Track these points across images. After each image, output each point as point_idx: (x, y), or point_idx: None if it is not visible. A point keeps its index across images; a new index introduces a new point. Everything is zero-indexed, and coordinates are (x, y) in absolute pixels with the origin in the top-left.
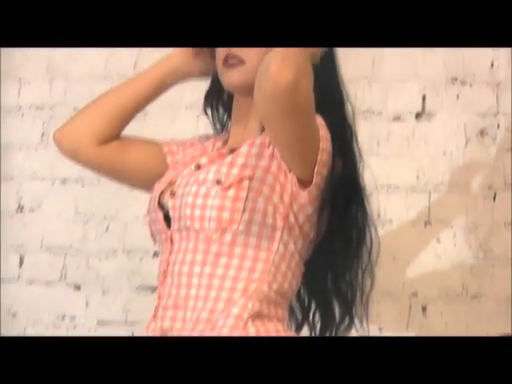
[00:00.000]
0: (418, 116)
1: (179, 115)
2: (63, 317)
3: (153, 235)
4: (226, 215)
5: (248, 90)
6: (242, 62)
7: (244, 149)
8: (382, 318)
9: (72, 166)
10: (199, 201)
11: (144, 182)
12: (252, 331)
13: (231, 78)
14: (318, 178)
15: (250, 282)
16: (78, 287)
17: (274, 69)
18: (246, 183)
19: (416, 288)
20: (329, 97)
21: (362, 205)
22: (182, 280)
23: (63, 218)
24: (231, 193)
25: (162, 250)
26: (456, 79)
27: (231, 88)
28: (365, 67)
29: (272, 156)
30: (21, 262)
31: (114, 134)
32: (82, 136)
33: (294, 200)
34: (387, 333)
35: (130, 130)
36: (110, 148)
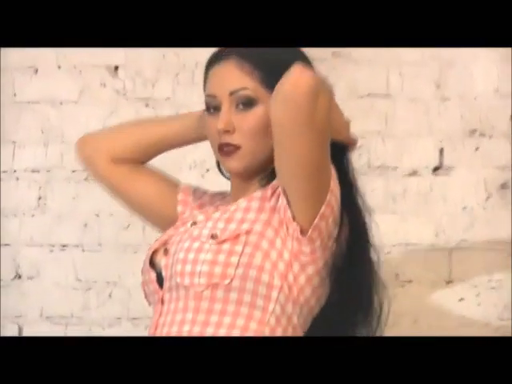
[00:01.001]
0: (435, 170)
1: (183, 175)
2: None
3: (146, 297)
4: (217, 270)
5: (247, 173)
6: (237, 147)
7: (243, 203)
8: None
9: (71, 231)
10: (191, 256)
11: (148, 216)
12: None
13: (231, 166)
14: (315, 233)
15: (245, 332)
16: None
17: (296, 73)
18: (242, 238)
19: None
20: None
21: (370, 270)
22: None
23: (63, 286)
24: (226, 247)
25: (153, 312)
26: (475, 131)
27: (232, 173)
28: (378, 122)
29: (274, 209)
30: (20, 333)
31: (130, 160)
32: (100, 148)
33: (295, 259)
34: None
35: None
36: (122, 169)
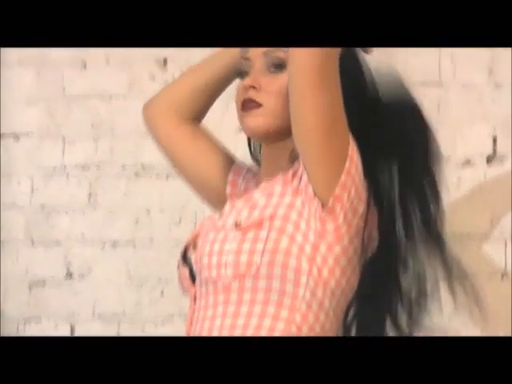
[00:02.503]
0: (489, 160)
1: None
2: None
3: (185, 292)
4: (243, 258)
5: (268, 135)
6: (259, 105)
7: (265, 189)
8: None
9: (122, 228)
10: (216, 247)
11: (200, 184)
12: None
13: (250, 124)
14: (338, 205)
15: (273, 331)
16: None
17: (306, 49)
18: (266, 223)
19: None
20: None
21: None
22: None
23: (115, 284)
24: (250, 234)
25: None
26: None
27: (251, 134)
28: (430, 110)
29: (296, 191)
30: (72, 332)
31: (193, 111)
32: (163, 107)
33: (321, 239)
34: None
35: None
36: (184, 129)
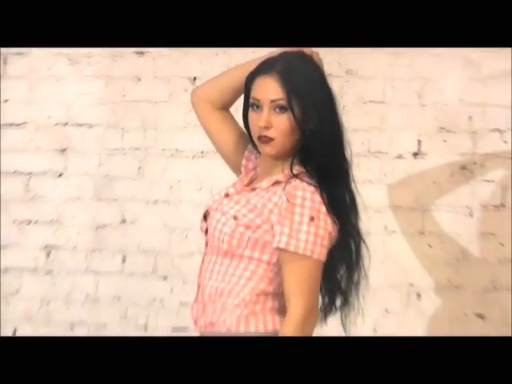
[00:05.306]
0: (414, 155)
1: None
2: (154, 299)
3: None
4: (234, 242)
5: (275, 156)
6: (271, 139)
7: (261, 192)
8: (388, 302)
9: (161, 192)
10: (219, 226)
11: (226, 159)
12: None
13: (266, 151)
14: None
15: (250, 280)
16: (165, 278)
17: (300, 321)
18: (254, 227)
19: (411, 279)
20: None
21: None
22: (204, 281)
23: (154, 229)
24: (241, 229)
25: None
26: (443, 128)
27: (266, 155)
28: (376, 120)
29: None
30: (123, 260)
31: (222, 102)
32: (201, 96)
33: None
34: (392, 313)
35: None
36: (216, 115)
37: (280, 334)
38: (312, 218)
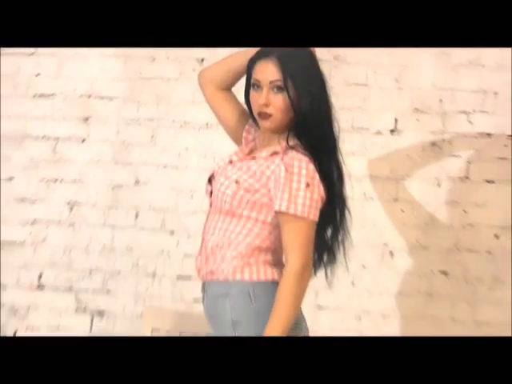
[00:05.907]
0: (392, 132)
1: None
2: (162, 251)
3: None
4: (235, 203)
5: (273, 130)
6: (270, 115)
7: (260, 160)
8: (365, 259)
9: (170, 157)
10: (222, 188)
11: (229, 133)
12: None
13: (265, 125)
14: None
15: (247, 236)
16: (172, 233)
17: (299, 268)
18: (253, 191)
19: (386, 240)
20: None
21: (342, 193)
22: (207, 236)
23: (164, 190)
24: (241, 191)
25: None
26: (417, 109)
27: (265, 129)
28: (359, 100)
29: (273, 173)
30: (136, 216)
31: (225, 84)
32: (207, 78)
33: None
34: (368, 269)
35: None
36: (220, 94)
37: (281, 282)
38: (308, 185)
